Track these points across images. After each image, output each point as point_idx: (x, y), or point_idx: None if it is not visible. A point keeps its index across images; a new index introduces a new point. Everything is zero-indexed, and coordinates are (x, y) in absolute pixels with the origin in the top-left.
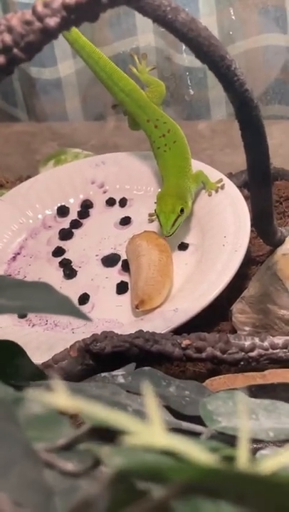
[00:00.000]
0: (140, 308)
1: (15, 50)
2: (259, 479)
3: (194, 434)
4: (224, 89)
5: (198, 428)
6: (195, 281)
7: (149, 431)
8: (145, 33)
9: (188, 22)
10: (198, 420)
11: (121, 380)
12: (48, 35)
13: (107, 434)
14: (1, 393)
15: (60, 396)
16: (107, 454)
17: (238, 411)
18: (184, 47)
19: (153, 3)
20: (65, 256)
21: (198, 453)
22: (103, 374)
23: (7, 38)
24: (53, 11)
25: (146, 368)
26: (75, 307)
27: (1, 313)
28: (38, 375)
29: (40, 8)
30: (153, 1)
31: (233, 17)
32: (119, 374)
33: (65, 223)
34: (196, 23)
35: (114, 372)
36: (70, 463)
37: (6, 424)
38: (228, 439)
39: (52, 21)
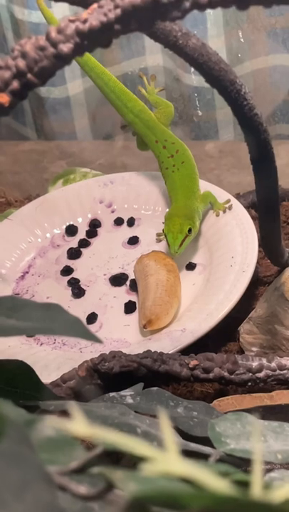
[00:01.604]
0: (148, 328)
1: (29, 75)
2: (275, 508)
3: (202, 456)
4: (234, 114)
5: (206, 450)
6: (202, 301)
7: (166, 458)
8: (154, 54)
9: (198, 47)
10: (206, 441)
11: (129, 400)
12: (61, 60)
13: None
14: (14, 415)
15: (78, 424)
16: (121, 479)
17: (247, 433)
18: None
19: (164, 29)
20: (74, 275)
21: (214, 480)
22: (111, 394)
23: (21, 63)
24: (67, 37)
25: (154, 389)
26: (86, 329)
27: (11, 335)
28: (47, 394)
29: (53, 34)
30: (164, 27)
31: (242, 39)
32: (128, 394)
33: (74, 242)
34: (206, 49)
35: (123, 393)
36: (82, 486)
37: (20, 447)
38: (237, 461)
39: (65, 47)
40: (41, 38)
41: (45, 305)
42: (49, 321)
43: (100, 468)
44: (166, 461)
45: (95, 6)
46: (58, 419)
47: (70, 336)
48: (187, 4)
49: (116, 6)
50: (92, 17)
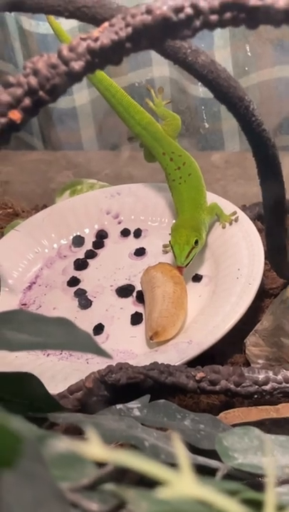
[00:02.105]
0: (154, 339)
1: (40, 93)
2: None
3: (210, 469)
4: (242, 129)
5: (214, 463)
6: (209, 313)
7: (181, 481)
8: (160, 65)
9: (208, 64)
10: (212, 454)
11: (136, 412)
12: (72, 78)
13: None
14: (26, 431)
15: (94, 446)
16: (133, 498)
17: (254, 447)
18: None
19: (174, 46)
20: (80, 286)
21: (229, 504)
22: (118, 406)
23: (33, 80)
24: (78, 55)
25: (161, 401)
26: (97, 344)
27: (23, 350)
28: (55, 406)
29: (65, 52)
30: (174, 44)
31: (249, 53)
32: (135, 406)
33: (80, 253)
34: (215, 65)
35: (130, 405)
36: (94, 503)
37: (33, 464)
38: (243, 473)
39: (77, 65)
40: (53, 55)
41: (56, 320)
42: (60, 336)
43: (112, 486)
44: (181, 484)
45: (106, 24)
46: (74, 441)
47: (82, 352)
48: (198, 23)
49: (127, 25)
50: (104, 35)
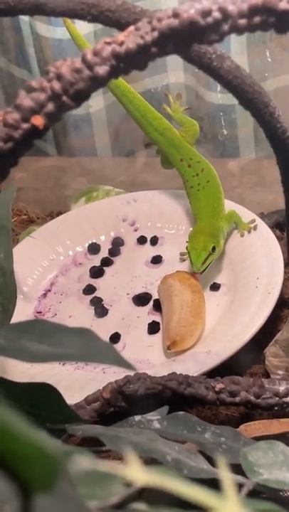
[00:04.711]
0: (172, 349)
1: (64, 98)
2: None
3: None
4: (266, 136)
5: (238, 479)
6: (227, 323)
7: (226, 506)
8: (175, 70)
9: (233, 69)
10: (233, 467)
11: (156, 425)
12: (96, 83)
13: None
14: (51, 447)
15: (135, 470)
16: None
17: (279, 462)
18: (214, 84)
19: (199, 51)
20: (96, 294)
21: None
22: (137, 418)
23: (56, 85)
24: (103, 59)
25: (181, 413)
26: (119, 356)
27: (42, 361)
28: (73, 417)
29: (89, 57)
30: (199, 49)
31: (267, 57)
32: (154, 418)
33: (96, 261)
34: (240, 71)
35: (149, 417)
36: None
37: (62, 484)
38: (264, 488)
39: (101, 69)
40: (77, 60)
41: (77, 330)
42: (82, 347)
43: (144, 506)
44: (227, 510)
45: (131, 28)
46: (112, 463)
47: (104, 363)
48: (226, 28)
49: (153, 29)
50: (129, 39)
